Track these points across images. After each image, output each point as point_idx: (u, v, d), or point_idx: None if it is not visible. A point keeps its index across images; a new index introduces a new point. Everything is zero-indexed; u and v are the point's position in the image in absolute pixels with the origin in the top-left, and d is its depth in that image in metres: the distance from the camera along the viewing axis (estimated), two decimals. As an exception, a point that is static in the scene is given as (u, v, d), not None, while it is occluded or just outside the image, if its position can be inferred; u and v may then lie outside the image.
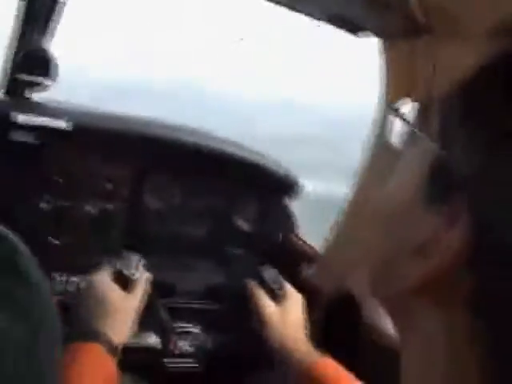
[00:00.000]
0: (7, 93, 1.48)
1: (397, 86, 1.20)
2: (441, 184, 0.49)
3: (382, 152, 1.31)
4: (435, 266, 0.47)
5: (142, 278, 1.34)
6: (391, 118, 0.61)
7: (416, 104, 0.58)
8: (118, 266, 1.31)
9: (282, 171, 1.64)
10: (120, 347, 1.23)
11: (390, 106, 0.70)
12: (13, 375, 0.45)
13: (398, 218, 0.54)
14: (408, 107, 0.58)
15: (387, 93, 1.22)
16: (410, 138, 0.57)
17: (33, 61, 1.36)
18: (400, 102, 0.58)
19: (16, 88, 1.44)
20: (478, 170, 0.46)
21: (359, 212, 1.42)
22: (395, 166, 0.59)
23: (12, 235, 0.52)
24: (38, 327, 0.50)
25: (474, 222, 0.45)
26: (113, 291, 1.27)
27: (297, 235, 1.70)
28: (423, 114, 0.56)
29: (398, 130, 0.60)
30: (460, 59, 0.70)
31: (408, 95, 0.90)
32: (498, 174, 0.45)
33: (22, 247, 0.52)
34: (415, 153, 0.55)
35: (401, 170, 0.57)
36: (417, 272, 0.49)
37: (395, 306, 0.56)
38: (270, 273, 1.45)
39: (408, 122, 0.58)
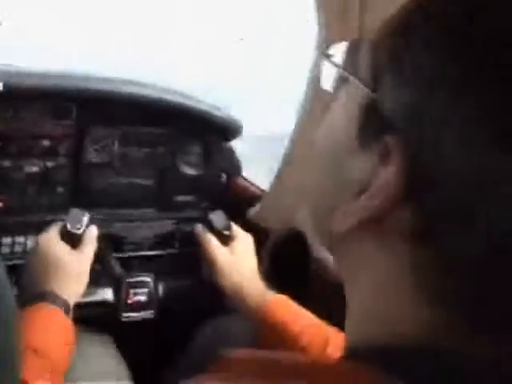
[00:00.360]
0: None
1: (329, 27, 1.20)
2: (373, 124, 0.50)
3: (316, 95, 1.32)
4: (375, 204, 0.49)
5: (90, 233, 1.33)
6: (322, 61, 0.61)
7: (346, 46, 0.58)
8: (65, 223, 1.30)
9: (221, 114, 1.64)
10: (73, 305, 1.24)
11: (320, 49, 0.70)
12: None
13: (335, 160, 0.55)
14: (340, 50, 0.59)
15: (321, 34, 1.23)
16: (342, 81, 0.58)
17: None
18: (332, 44, 0.58)
19: None
20: (408, 109, 0.47)
21: (300, 154, 1.44)
22: (330, 110, 0.59)
23: None
24: None
25: (408, 158, 0.46)
26: (61, 250, 1.26)
27: (242, 176, 1.71)
28: (353, 55, 0.56)
29: (329, 73, 0.60)
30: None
31: (340, 37, 0.91)
32: (428, 113, 0.46)
33: None
34: (347, 95, 0.56)
35: (334, 113, 0.58)
36: (358, 211, 0.50)
37: (338, 246, 0.57)
38: (217, 216, 1.45)
39: (338, 65, 0.58)
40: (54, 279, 1.22)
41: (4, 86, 1.34)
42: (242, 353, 0.54)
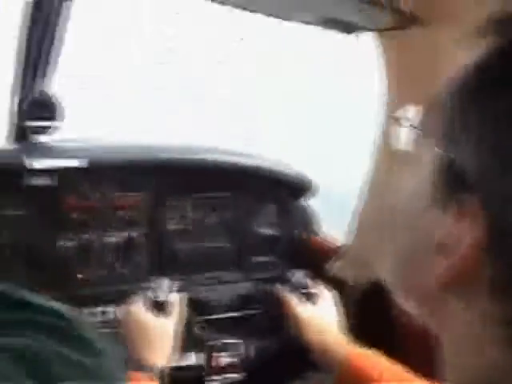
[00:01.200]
0: (17, 139, 1.52)
1: (397, 88, 1.23)
2: (448, 183, 0.51)
3: (389, 157, 1.33)
4: (455, 263, 0.50)
5: (176, 300, 1.36)
6: (395, 124, 0.63)
7: (419, 108, 0.59)
8: (151, 292, 1.33)
9: (292, 172, 1.66)
10: (165, 370, 1.25)
11: (392, 114, 0.72)
12: None
13: (416, 221, 0.56)
14: (411, 112, 0.60)
15: (388, 96, 1.25)
16: (417, 143, 0.59)
17: (39, 107, 1.39)
18: (402, 108, 0.60)
19: (25, 134, 1.47)
20: (484, 168, 0.48)
21: (373, 208, 1.44)
22: (405, 171, 0.61)
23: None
24: None
25: (485, 212, 0.47)
26: (150, 319, 1.29)
27: (318, 233, 1.72)
28: (427, 117, 0.58)
29: (403, 136, 0.62)
30: (456, 55, 0.72)
31: (409, 99, 0.93)
32: (504, 171, 0.47)
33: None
34: (423, 157, 0.57)
35: (412, 175, 0.59)
36: (439, 269, 0.51)
37: (424, 302, 0.58)
38: (297, 275, 1.46)
39: (413, 128, 0.60)
40: (143, 347, 1.24)
41: (89, 162, 1.40)
42: None
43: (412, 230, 0.56)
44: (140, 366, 1.21)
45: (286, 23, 1.32)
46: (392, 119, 0.61)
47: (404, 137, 0.62)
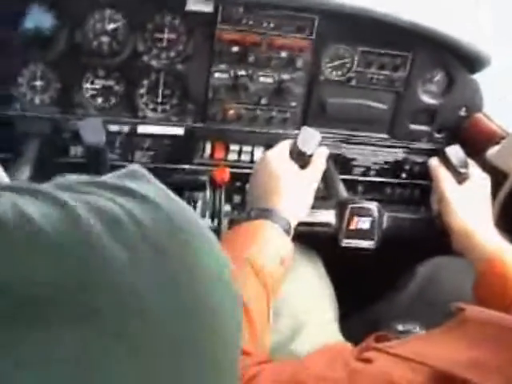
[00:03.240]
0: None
1: None
2: None
3: None
4: None
5: (321, 154, 1.28)
6: None
7: None
8: (296, 141, 1.26)
9: (470, 46, 1.51)
10: (295, 225, 1.19)
11: None
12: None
13: None
14: None
15: None
16: None
17: None
18: None
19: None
20: None
21: None
22: None
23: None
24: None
25: None
26: (290, 169, 1.22)
27: (484, 113, 1.59)
28: None
29: None
30: None
31: None
32: None
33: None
34: None
35: None
36: None
37: None
38: (454, 151, 1.37)
39: None
40: (280, 198, 1.17)
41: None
42: (478, 312, 0.50)
43: None
44: (272, 218, 1.14)
45: None
46: None
47: None
